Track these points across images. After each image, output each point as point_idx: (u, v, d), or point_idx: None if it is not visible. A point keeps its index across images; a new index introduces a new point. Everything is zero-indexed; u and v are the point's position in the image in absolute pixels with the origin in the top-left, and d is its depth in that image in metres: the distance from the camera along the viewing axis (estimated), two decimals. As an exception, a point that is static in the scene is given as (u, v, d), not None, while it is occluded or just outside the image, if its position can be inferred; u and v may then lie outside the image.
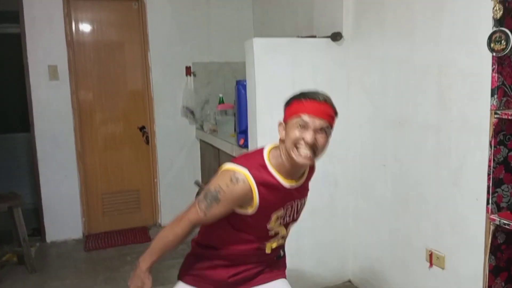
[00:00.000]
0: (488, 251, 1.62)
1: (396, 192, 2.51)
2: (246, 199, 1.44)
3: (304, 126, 1.41)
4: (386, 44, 2.49)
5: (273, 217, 1.53)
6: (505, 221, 1.56)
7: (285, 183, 1.50)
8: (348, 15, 2.74)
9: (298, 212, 1.64)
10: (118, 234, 4.12)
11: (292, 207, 1.58)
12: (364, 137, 2.74)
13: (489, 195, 1.61)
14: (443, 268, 2.20)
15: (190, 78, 4.23)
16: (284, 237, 1.67)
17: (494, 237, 1.62)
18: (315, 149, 1.44)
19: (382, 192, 2.62)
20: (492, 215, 1.61)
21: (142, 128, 4.21)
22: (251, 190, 1.43)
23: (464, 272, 2.08)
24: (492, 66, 1.57)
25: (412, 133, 2.35)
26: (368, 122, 2.69)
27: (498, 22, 1.54)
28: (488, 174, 1.61)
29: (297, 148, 1.42)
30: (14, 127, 5.03)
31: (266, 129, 2.62)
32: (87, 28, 4.02)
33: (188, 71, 4.21)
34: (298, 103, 1.45)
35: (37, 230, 4.08)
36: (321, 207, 2.84)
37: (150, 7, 4.07)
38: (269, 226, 1.55)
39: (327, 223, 2.88)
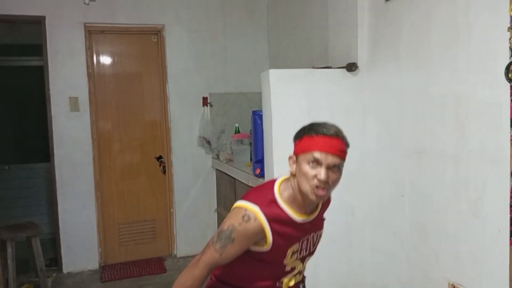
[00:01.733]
0: (513, 285, 1.57)
1: (415, 223, 2.47)
2: (259, 237, 1.43)
3: (316, 163, 1.39)
4: (402, 74, 2.50)
5: (289, 252, 1.50)
6: (529, 255, 1.51)
7: (298, 217, 1.48)
8: (363, 45, 2.76)
9: (315, 245, 1.63)
10: (134, 265, 4.11)
11: (308, 241, 1.56)
12: (380, 166, 2.71)
13: (512, 227, 1.58)
14: (466, 303, 2.12)
15: (207, 108, 4.29)
16: (301, 272, 1.64)
17: (519, 271, 1.57)
18: (328, 186, 1.42)
19: (400, 223, 2.57)
20: (516, 248, 1.56)
21: (159, 158, 4.26)
22: (263, 229, 1.42)
23: (488, 307, 2.00)
24: (511, 96, 1.56)
25: (430, 163, 2.32)
26: (385, 152, 2.67)
27: (515, 52, 1.54)
28: (511, 206, 1.57)
29: (311, 186, 1.40)
30: (34, 157, 5.13)
31: (282, 159, 2.60)
32: (108, 61, 4.14)
33: (205, 101, 4.28)
34: (309, 138, 1.43)
35: (54, 260, 4.09)
36: (337, 237, 2.80)
37: (169, 40, 4.18)
38: (285, 261, 1.52)
39: (343, 254, 2.83)
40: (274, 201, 1.47)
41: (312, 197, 1.41)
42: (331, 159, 1.40)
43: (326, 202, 1.65)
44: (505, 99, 1.83)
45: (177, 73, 4.21)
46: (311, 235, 1.56)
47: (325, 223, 2.74)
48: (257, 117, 2.92)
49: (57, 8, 3.86)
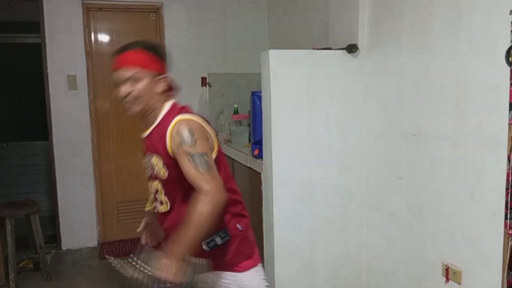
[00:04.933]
0: (506, 267, 1.60)
1: (411, 205, 2.49)
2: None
3: (117, 83, 1.51)
4: (403, 57, 2.48)
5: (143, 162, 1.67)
6: (523, 237, 1.53)
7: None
8: (364, 27, 2.74)
9: (151, 168, 1.61)
10: (132, 242, 4.15)
11: (147, 159, 1.64)
12: (379, 148, 2.72)
13: (507, 210, 1.59)
14: (459, 284, 2.16)
15: (206, 89, 4.27)
16: (156, 197, 1.65)
17: (512, 253, 1.60)
18: (132, 99, 1.51)
19: (397, 205, 2.60)
20: (511, 230, 1.58)
21: (157, 138, 4.25)
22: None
23: (481, 288, 2.04)
24: (510, 80, 1.56)
25: (428, 146, 2.33)
26: (384, 134, 2.68)
27: (516, 36, 1.53)
28: (507, 189, 1.59)
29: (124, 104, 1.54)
30: (33, 135, 5.13)
31: (280, 140, 2.62)
32: (106, 38, 4.10)
33: (204, 81, 4.26)
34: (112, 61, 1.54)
35: (53, 237, 4.13)
36: (335, 218, 2.83)
37: (168, 18, 4.14)
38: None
39: (340, 235, 2.86)
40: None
41: (127, 112, 1.57)
42: (120, 74, 1.49)
43: (162, 126, 1.59)
44: (505, 83, 1.83)
45: (175, 53, 4.16)
46: (147, 154, 1.64)
47: (322, 205, 2.77)
48: (256, 98, 2.91)
49: (55, -15, 3.81)
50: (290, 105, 2.65)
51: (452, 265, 2.20)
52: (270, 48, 2.72)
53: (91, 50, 4.02)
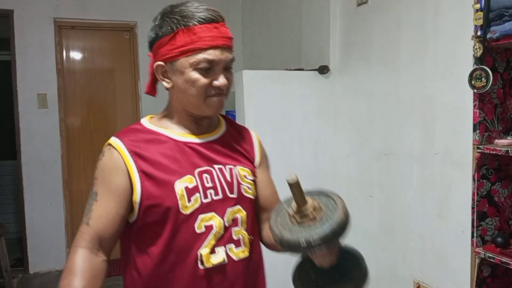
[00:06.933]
0: (474, 284, 1.63)
1: (383, 223, 2.53)
2: (119, 168, 1.02)
3: (209, 65, 0.99)
4: (372, 78, 2.55)
5: (179, 188, 0.99)
6: (490, 255, 1.58)
7: (178, 136, 1.07)
8: (335, 48, 2.81)
9: (232, 185, 1.05)
10: (103, 264, 4.04)
11: (213, 176, 1.04)
12: (350, 167, 2.77)
13: (473, 228, 1.64)
14: (430, 301, 2.19)
15: (180, 107, 4.26)
16: (228, 236, 1.03)
17: (480, 270, 1.64)
18: (226, 92, 1.04)
19: (368, 223, 2.63)
20: (477, 248, 1.63)
21: (130, 157, 4.20)
22: (119, 154, 1.02)
23: (451, 305, 2.08)
24: (474, 102, 1.63)
25: (398, 165, 2.39)
26: (355, 153, 2.72)
27: (479, 60, 1.60)
28: (472, 208, 1.64)
29: (205, 98, 1.02)
30: (0, 155, 4.98)
31: (254, 160, 2.63)
32: (78, 56, 4.06)
33: (178, 100, 4.25)
34: (188, 32, 0.97)
35: (20, 260, 3.98)
36: (309, 237, 2.83)
37: (142, 37, 4.12)
38: (181, 206, 0.99)
39: (315, 254, 2.87)
40: (137, 126, 1.10)
41: (209, 111, 1.05)
42: (227, 55, 1.01)
43: (236, 131, 1.18)
44: (469, 104, 1.90)
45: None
46: (217, 167, 1.05)
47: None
48: (230, 117, 2.92)
49: (26, 2, 3.75)
50: (264, 124, 2.67)
51: (423, 282, 2.23)
52: (244, 68, 2.75)
53: (63, 68, 3.96)
